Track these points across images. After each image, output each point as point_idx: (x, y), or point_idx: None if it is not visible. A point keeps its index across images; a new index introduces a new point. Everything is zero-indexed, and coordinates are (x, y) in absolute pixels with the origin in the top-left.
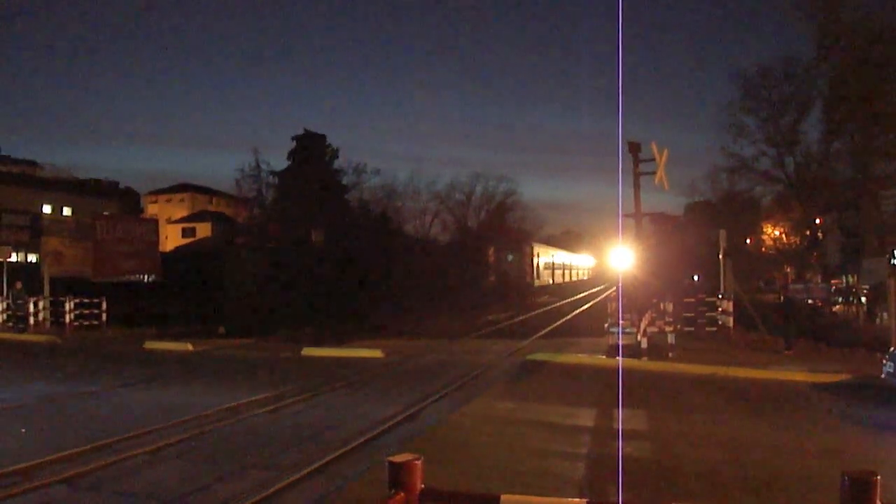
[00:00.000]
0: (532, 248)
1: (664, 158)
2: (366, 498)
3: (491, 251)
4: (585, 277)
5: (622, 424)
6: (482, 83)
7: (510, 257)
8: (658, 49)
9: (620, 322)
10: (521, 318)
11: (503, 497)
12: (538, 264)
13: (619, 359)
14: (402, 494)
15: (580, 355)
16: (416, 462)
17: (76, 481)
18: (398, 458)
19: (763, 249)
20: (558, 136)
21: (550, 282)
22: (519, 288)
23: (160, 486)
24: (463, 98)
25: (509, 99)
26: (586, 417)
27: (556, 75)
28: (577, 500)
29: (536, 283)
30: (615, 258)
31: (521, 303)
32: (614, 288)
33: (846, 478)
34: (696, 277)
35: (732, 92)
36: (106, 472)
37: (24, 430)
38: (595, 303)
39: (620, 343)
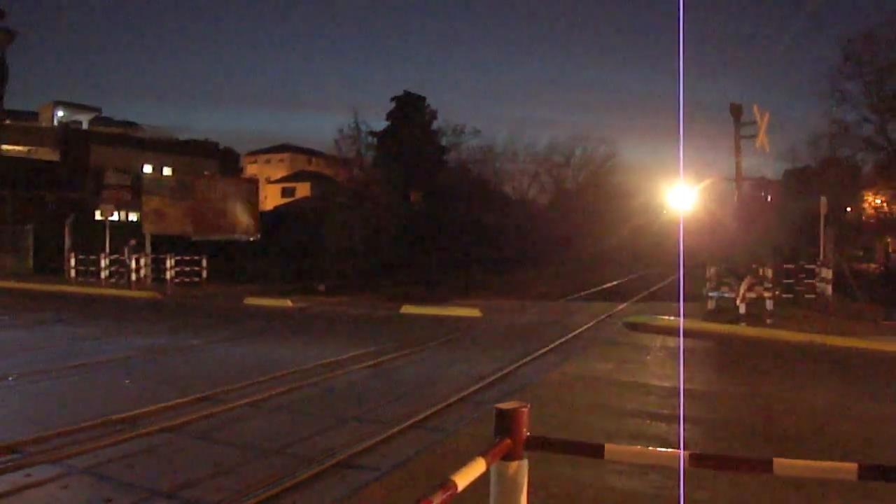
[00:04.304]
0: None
1: (765, 122)
2: (465, 450)
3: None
4: None
5: (720, 387)
6: (582, 45)
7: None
8: (759, 11)
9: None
10: (618, 281)
11: (607, 446)
12: None
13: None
14: (509, 441)
15: (678, 319)
16: (524, 410)
17: (180, 430)
18: (506, 406)
19: (863, 218)
20: (659, 99)
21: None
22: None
23: (262, 436)
24: (563, 60)
25: (608, 61)
26: (684, 381)
27: (657, 37)
28: (679, 451)
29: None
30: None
31: (617, 268)
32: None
33: None
34: (794, 244)
35: (835, 55)
36: (209, 421)
37: (127, 382)
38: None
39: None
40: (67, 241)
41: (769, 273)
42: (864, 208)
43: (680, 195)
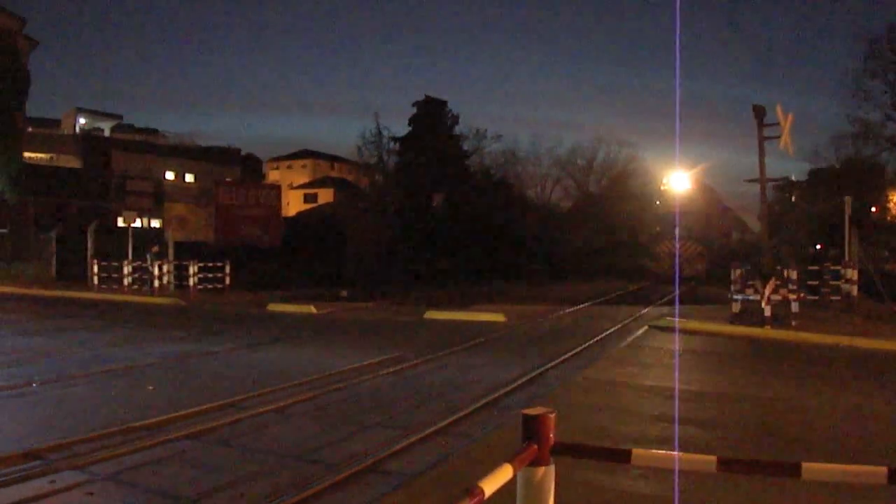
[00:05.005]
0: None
1: (789, 123)
2: (492, 456)
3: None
4: None
5: (752, 390)
6: (602, 48)
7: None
8: (782, 11)
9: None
10: (642, 284)
11: (634, 451)
12: None
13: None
14: (535, 447)
15: (703, 322)
16: (550, 415)
17: (204, 436)
18: (532, 412)
19: (889, 218)
20: (681, 100)
21: None
22: None
23: (287, 442)
24: (584, 63)
25: (631, 63)
26: (709, 384)
27: (676, 39)
28: (708, 456)
29: None
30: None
31: (639, 273)
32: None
33: None
34: (818, 246)
35: (858, 54)
36: (233, 428)
37: (151, 388)
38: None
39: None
40: (90, 248)
41: (794, 275)
42: (889, 208)
43: (678, 181)
